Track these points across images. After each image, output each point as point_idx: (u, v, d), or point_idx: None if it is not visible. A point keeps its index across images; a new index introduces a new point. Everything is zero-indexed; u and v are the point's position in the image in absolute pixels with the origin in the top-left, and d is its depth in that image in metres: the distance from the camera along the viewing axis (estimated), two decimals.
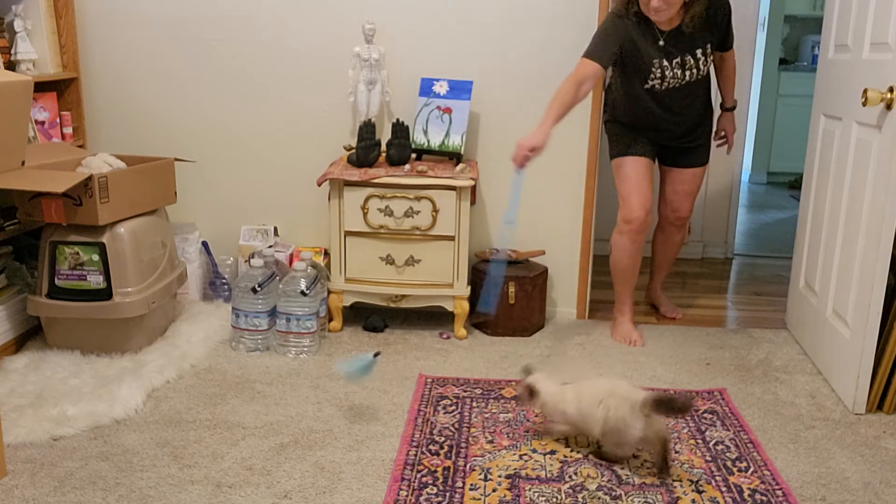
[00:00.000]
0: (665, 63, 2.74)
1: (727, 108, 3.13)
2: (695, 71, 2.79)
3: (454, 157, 2.99)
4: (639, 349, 2.92)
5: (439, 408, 2.41)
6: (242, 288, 2.78)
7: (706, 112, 2.99)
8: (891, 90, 2.28)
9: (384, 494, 1.95)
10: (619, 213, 2.92)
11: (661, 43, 2.72)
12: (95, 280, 2.59)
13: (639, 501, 1.94)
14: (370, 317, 3.05)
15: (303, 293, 2.73)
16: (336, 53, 3.09)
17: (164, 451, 2.12)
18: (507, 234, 3.09)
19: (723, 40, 2.87)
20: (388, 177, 2.84)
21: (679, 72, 2.77)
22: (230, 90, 3.17)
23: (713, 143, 3.11)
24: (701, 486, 2.02)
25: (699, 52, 2.77)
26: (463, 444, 2.19)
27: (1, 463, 1.97)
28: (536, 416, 2.33)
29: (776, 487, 2.02)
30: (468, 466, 2.08)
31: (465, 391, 2.53)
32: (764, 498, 1.97)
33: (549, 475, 2.04)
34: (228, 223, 3.28)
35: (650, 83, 2.78)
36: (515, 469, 2.07)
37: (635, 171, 2.89)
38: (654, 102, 2.84)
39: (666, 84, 2.79)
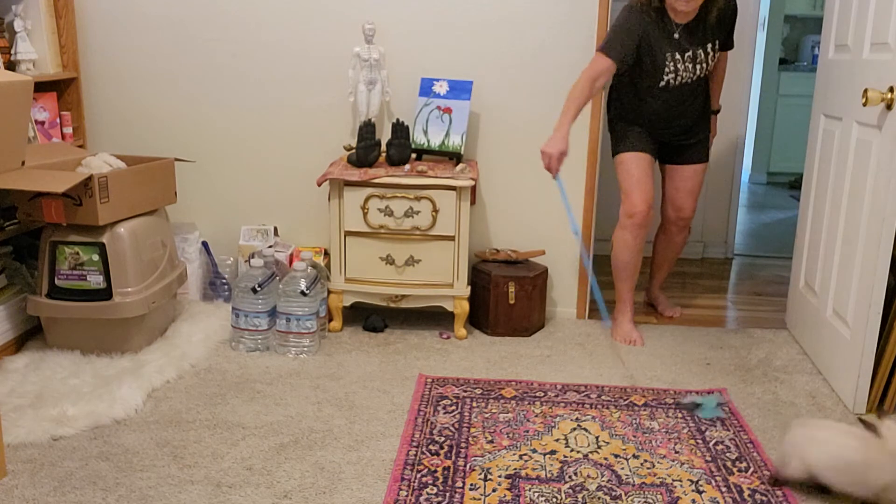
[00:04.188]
0: (678, 57, 2.76)
1: (711, 112, 3.13)
2: (704, 65, 2.82)
3: (454, 157, 2.99)
4: (639, 349, 2.92)
5: (439, 408, 2.41)
6: (242, 288, 2.78)
7: (705, 109, 3.01)
8: (891, 90, 2.28)
9: (384, 494, 1.95)
10: (622, 208, 2.93)
11: (676, 36, 2.74)
12: (95, 280, 2.59)
13: (639, 501, 1.94)
14: (370, 317, 3.05)
15: (303, 293, 2.73)
16: (336, 53, 3.09)
17: (164, 451, 2.12)
18: (576, 240, 3.11)
19: (727, 39, 2.90)
20: (388, 177, 2.84)
21: (690, 66, 2.79)
22: (230, 90, 3.17)
23: None
24: (701, 486, 2.02)
25: (709, 46, 2.80)
26: (463, 444, 2.19)
27: (1, 463, 1.97)
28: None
29: (776, 487, 2.02)
30: (468, 466, 2.08)
31: (465, 391, 2.53)
32: (764, 498, 1.97)
33: (549, 475, 2.04)
34: (228, 223, 3.28)
35: (665, 79, 2.80)
36: (515, 469, 2.07)
37: (637, 167, 2.91)
38: (663, 99, 2.85)
39: (679, 79, 2.81)
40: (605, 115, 3.09)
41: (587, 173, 3.12)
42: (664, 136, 2.98)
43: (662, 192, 3.16)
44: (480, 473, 2.05)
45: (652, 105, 2.87)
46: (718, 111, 3.16)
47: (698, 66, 2.81)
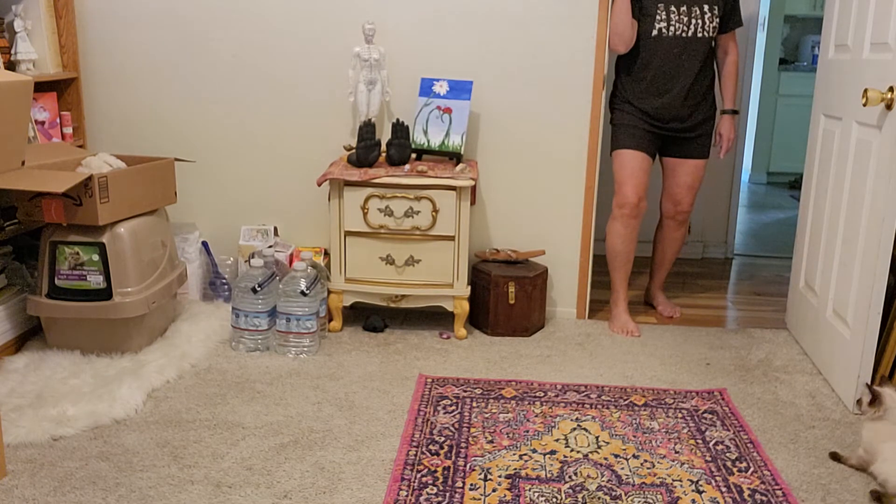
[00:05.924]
0: (672, 8, 2.85)
1: (726, 111, 3.13)
2: (700, 23, 2.87)
3: (454, 157, 2.99)
4: (639, 349, 2.92)
5: (439, 408, 2.41)
6: (242, 288, 2.78)
7: (710, 102, 3.04)
8: (891, 90, 2.28)
9: (384, 494, 1.95)
10: (614, 200, 3.04)
11: None
12: (95, 280, 2.59)
13: (639, 501, 1.94)
14: (370, 317, 3.05)
15: (303, 293, 2.73)
16: (336, 53, 3.09)
17: (164, 451, 2.12)
18: None
19: (728, 15, 2.95)
20: (388, 177, 2.84)
21: (686, 19, 2.86)
22: (230, 90, 3.17)
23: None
24: (701, 486, 2.02)
25: (706, 7, 2.87)
26: (463, 444, 2.19)
27: (1, 463, 1.97)
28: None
29: (776, 487, 2.02)
30: (468, 466, 2.08)
31: (465, 391, 2.53)
32: (764, 498, 1.97)
33: (549, 475, 2.04)
34: (228, 223, 3.28)
35: (657, 27, 2.87)
36: (515, 469, 2.07)
37: (632, 162, 2.99)
38: (657, 53, 2.90)
39: (672, 30, 2.87)
40: (605, 115, 3.10)
41: (587, 172, 3.12)
42: (666, 118, 2.97)
43: (662, 186, 3.18)
44: (480, 473, 2.05)
45: (650, 63, 2.91)
46: (735, 112, 3.16)
47: (694, 21, 2.86)
